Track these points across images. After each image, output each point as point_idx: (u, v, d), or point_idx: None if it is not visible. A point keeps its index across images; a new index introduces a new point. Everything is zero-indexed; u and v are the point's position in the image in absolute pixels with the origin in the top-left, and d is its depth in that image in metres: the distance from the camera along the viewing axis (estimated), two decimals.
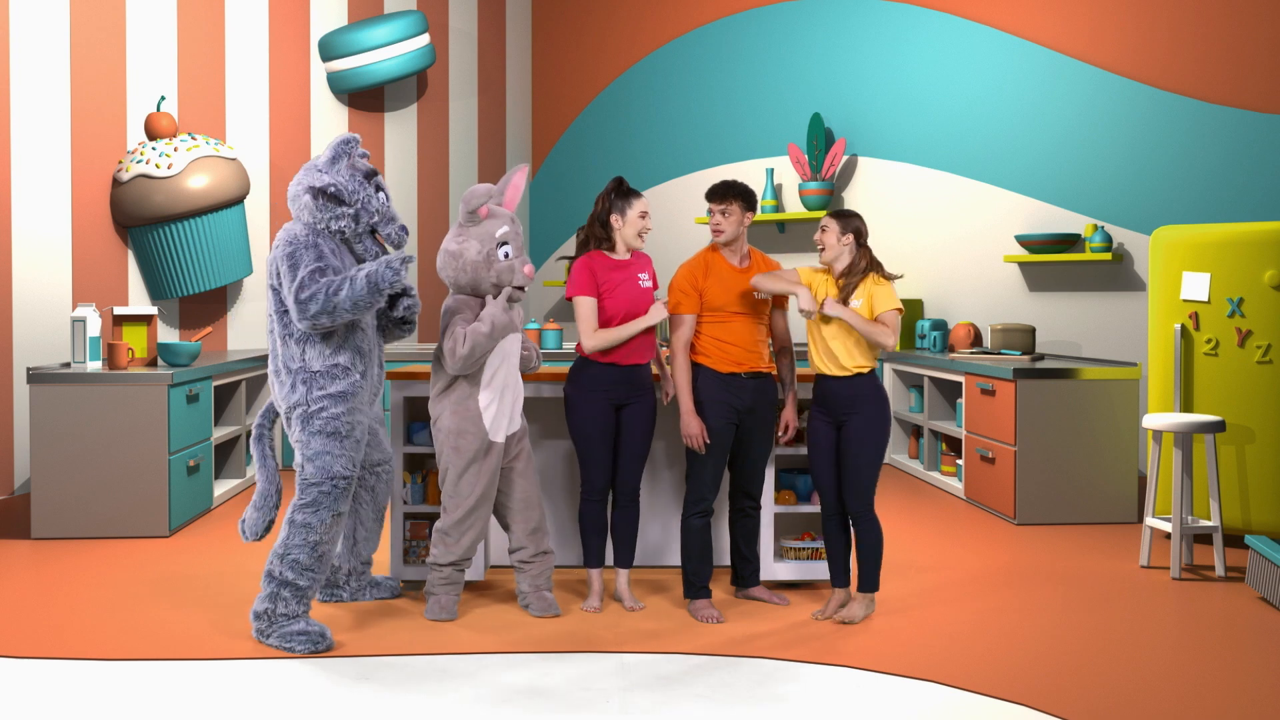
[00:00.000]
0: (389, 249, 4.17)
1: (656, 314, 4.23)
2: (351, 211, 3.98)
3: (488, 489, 4.19)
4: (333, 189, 3.94)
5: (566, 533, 4.96)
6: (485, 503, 4.20)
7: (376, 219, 4.04)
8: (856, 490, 4.12)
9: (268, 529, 4.05)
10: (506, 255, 4.13)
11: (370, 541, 4.44)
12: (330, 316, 3.79)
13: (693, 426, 4.17)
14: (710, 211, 4.28)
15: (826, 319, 4.14)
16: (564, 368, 4.89)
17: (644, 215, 4.31)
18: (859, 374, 4.13)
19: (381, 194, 4.07)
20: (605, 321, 4.24)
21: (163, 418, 5.51)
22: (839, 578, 4.27)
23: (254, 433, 4.04)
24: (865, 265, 4.15)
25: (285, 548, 3.85)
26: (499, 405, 4.18)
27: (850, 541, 4.28)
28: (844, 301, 4.12)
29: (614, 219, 4.29)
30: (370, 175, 4.07)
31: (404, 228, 4.09)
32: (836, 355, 4.13)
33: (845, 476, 4.14)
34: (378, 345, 4.15)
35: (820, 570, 4.61)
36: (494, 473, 4.20)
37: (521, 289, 4.15)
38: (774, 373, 4.36)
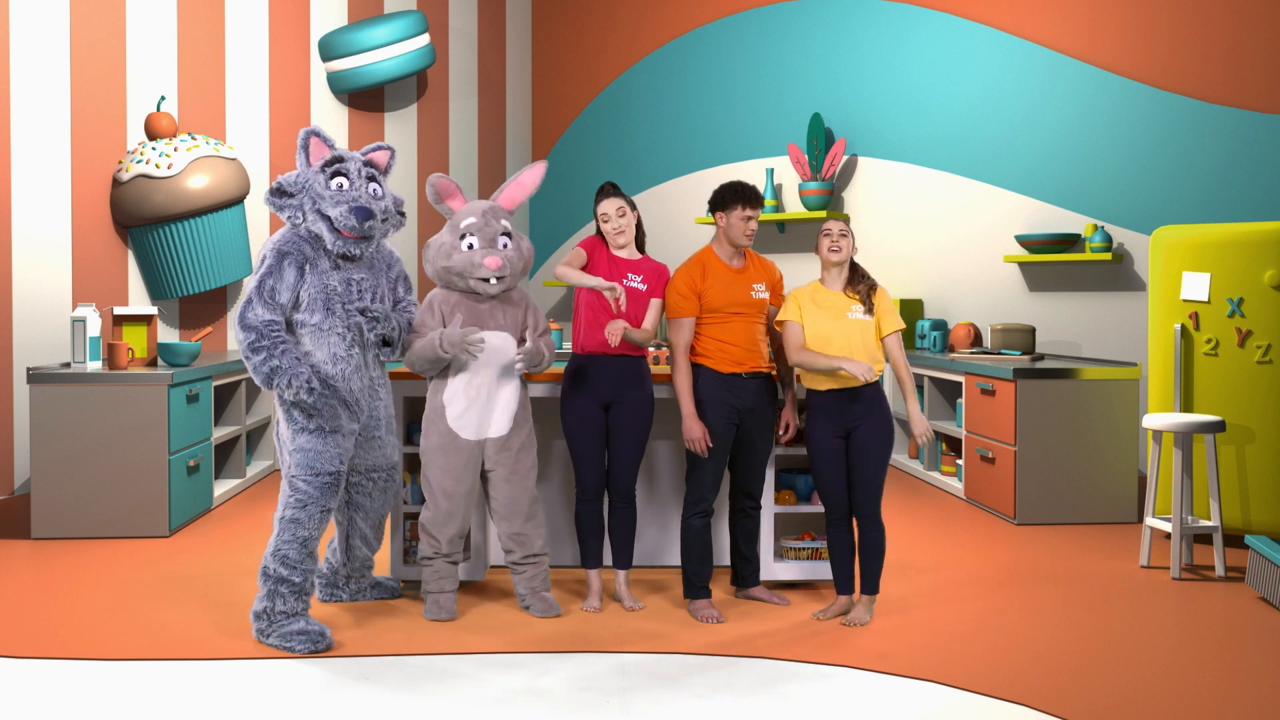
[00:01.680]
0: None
1: (612, 331, 4.07)
2: (295, 202, 3.93)
3: (457, 484, 4.14)
4: (277, 183, 3.95)
5: (565, 533, 4.95)
6: (457, 498, 4.14)
7: (324, 203, 3.89)
8: (866, 495, 4.13)
9: None
10: (471, 246, 4.11)
11: (367, 547, 4.40)
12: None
13: (695, 430, 4.16)
14: (748, 218, 4.24)
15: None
16: (562, 368, 4.89)
17: (605, 218, 4.26)
18: (865, 384, 4.13)
19: (339, 179, 3.93)
20: (577, 306, 4.31)
21: (163, 418, 5.51)
22: (844, 585, 4.27)
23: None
24: (862, 277, 4.23)
25: (276, 544, 3.89)
26: (467, 403, 4.13)
27: (854, 548, 4.28)
28: (867, 311, 4.20)
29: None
30: (330, 163, 3.95)
31: (361, 210, 3.87)
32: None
33: (856, 483, 4.14)
34: (369, 349, 4.10)
35: (820, 570, 4.61)
36: (465, 469, 4.14)
37: (486, 281, 4.09)
38: (774, 372, 4.36)
